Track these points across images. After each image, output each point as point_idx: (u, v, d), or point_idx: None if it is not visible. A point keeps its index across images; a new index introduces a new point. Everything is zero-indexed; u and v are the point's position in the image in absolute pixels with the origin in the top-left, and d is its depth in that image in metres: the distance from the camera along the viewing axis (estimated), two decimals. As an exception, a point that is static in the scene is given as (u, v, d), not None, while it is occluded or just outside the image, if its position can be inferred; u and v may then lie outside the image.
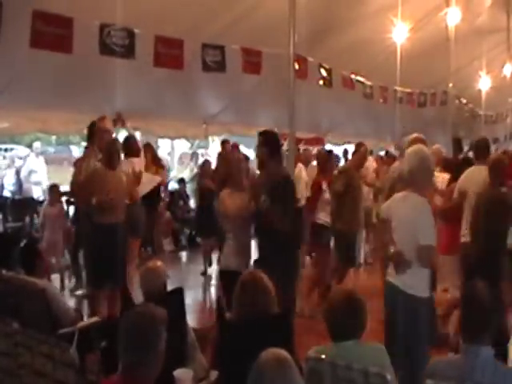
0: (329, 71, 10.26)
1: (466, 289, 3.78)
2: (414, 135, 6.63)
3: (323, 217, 8.06)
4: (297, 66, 8.44)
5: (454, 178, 6.86)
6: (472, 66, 16.85)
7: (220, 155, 10.52)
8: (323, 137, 15.20)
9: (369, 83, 11.69)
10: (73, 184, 7.27)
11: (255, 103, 12.44)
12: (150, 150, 9.52)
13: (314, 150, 12.81)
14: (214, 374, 3.97)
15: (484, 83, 17.20)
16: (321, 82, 10.13)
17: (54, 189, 9.33)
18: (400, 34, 11.42)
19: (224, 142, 11.16)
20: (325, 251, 8.20)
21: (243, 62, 8.88)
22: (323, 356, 3.64)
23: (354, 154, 8.39)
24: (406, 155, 5.11)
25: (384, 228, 5.14)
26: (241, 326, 4.02)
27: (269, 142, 6.11)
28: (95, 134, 7.31)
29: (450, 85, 13.43)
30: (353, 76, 11.24)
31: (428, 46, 13.57)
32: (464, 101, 16.97)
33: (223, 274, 6.01)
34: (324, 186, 8.12)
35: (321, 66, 10.02)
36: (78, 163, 7.41)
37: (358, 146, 8.34)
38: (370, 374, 3.50)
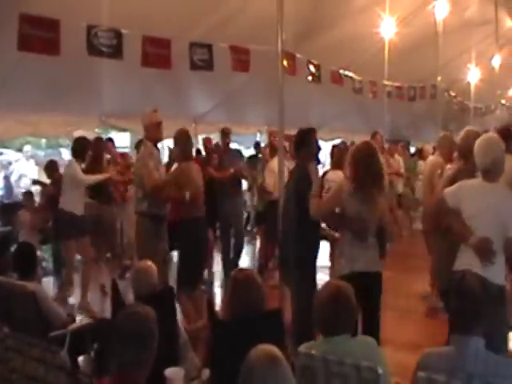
0: (317, 67, 10.26)
1: (456, 280, 3.79)
2: (468, 127, 6.50)
3: None
4: (285, 63, 8.46)
5: None
6: (461, 58, 16.88)
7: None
8: (313, 133, 15.12)
9: (358, 78, 11.69)
10: (151, 184, 7.00)
11: (245, 101, 12.45)
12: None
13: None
14: (205, 373, 3.96)
15: (473, 76, 17.22)
16: (309, 78, 10.12)
17: (27, 195, 9.71)
18: (388, 28, 11.42)
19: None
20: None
21: (232, 60, 8.86)
22: (314, 352, 3.65)
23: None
24: (485, 145, 4.98)
25: (455, 217, 5.00)
26: (233, 323, 4.03)
27: None
28: (149, 129, 7.19)
29: (439, 78, 13.46)
30: (342, 71, 11.24)
31: (417, 39, 13.60)
32: (453, 94, 16.99)
33: None
34: None
35: (309, 62, 10.02)
36: (141, 162, 7.20)
37: (374, 134, 8.37)
38: (362, 368, 3.50)
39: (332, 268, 8.64)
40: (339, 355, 3.57)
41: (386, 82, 11.61)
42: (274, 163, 7.90)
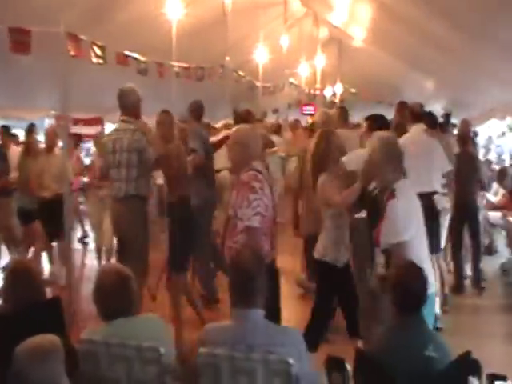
0: (102, 49, 10.08)
1: (232, 256, 3.94)
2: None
3: None
4: (70, 45, 8.26)
5: None
6: (250, 39, 17.31)
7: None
8: (103, 116, 15.04)
9: (143, 59, 11.63)
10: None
11: (30, 85, 11.96)
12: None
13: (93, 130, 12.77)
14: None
15: (261, 56, 17.74)
16: (94, 60, 9.92)
17: None
18: (175, 9, 11.46)
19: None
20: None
21: (10, 42, 8.44)
22: (96, 337, 3.64)
23: None
24: None
25: None
26: (11, 316, 3.91)
27: None
28: None
29: (227, 58, 13.76)
30: (127, 53, 11.12)
31: (205, 20, 13.77)
32: (242, 73, 17.43)
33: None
34: None
35: (94, 43, 9.80)
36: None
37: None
38: (143, 349, 3.53)
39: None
40: (122, 338, 3.59)
41: (173, 63, 11.65)
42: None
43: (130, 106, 6.78)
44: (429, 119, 8.16)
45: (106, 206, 9.03)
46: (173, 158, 6.93)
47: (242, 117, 8.66)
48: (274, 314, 4.67)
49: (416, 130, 7.59)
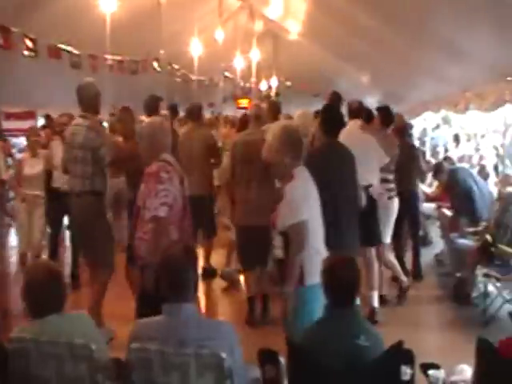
0: (34, 41, 9.84)
1: (163, 253, 3.89)
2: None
3: None
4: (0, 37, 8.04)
5: None
6: (185, 32, 17.19)
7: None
8: (35, 110, 14.63)
9: (76, 52, 11.41)
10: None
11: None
12: None
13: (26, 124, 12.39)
14: None
15: (196, 49, 17.66)
16: (26, 53, 9.68)
17: None
18: (109, 1, 11.27)
19: None
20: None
21: None
22: (25, 335, 3.55)
23: None
24: None
25: None
26: None
27: None
28: None
29: (162, 51, 13.64)
30: (60, 45, 10.90)
31: (140, 13, 13.58)
32: (177, 67, 17.32)
33: None
34: None
35: (25, 36, 9.57)
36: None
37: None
38: (75, 346, 3.47)
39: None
40: (53, 335, 3.51)
41: (107, 56, 11.48)
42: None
43: (86, 101, 6.70)
44: (365, 114, 8.26)
45: (32, 206, 8.72)
46: (131, 157, 6.81)
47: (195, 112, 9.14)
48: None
49: (352, 126, 7.69)
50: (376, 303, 7.43)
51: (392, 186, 8.03)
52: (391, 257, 8.31)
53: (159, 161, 5.18)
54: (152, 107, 8.28)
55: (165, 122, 5.89)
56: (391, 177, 8.04)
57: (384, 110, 8.52)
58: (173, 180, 5.12)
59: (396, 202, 8.09)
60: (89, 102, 6.70)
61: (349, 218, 6.15)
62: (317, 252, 4.66)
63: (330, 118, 6.42)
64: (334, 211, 5.63)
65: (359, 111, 8.04)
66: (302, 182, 4.79)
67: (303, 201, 4.69)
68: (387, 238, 8.02)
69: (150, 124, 5.55)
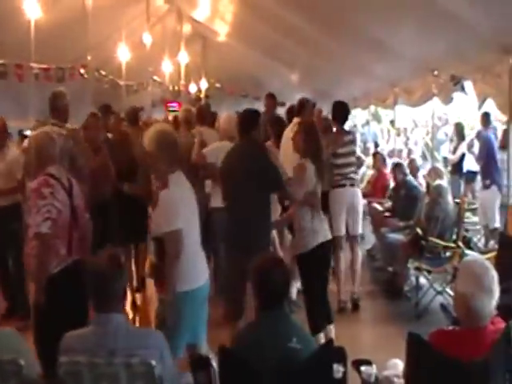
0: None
1: (88, 263, 3.86)
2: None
3: None
4: None
5: None
6: (112, 37, 16.97)
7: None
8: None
9: (1, 62, 11.15)
10: None
11: None
12: None
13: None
14: None
15: (124, 54, 17.48)
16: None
17: None
18: (33, 8, 11.03)
19: None
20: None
21: None
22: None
23: None
24: None
25: None
26: None
27: None
28: None
29: (89, 58, 13.45)
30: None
31: (66, 19, 13.33)
32: (104, 72, 17.12)
33: None
34: None
35: None
36: None
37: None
38: (2, 362, 3.44)
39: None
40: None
41: (32, 65, 11.24)
42: None
43: (61, 109, 6.83)
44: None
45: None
46: (102, 169, 7.01)
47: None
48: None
49: (291, 127, 7.78)
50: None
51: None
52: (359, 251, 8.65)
53: (44, 174, 5.08)
54: (132, 118, 8.96)
55: (53, 133, 5.70)
56: None
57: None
58: (56, 193, 5.02)
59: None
60: (63, 110, 6.85)
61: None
62: (187, 260, 4.64)
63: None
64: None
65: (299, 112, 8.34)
66: (176, 190, 4.75)
67: (176, 209, 4.67)
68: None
69: (37, 136, 5.41)
